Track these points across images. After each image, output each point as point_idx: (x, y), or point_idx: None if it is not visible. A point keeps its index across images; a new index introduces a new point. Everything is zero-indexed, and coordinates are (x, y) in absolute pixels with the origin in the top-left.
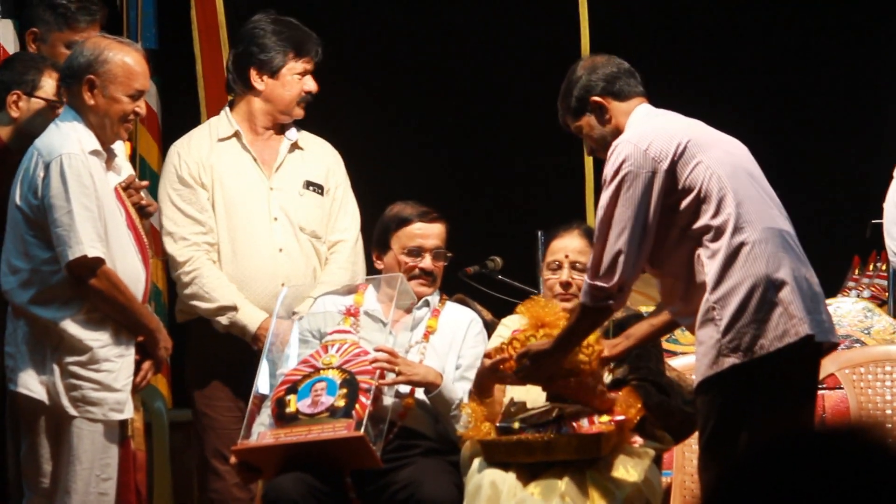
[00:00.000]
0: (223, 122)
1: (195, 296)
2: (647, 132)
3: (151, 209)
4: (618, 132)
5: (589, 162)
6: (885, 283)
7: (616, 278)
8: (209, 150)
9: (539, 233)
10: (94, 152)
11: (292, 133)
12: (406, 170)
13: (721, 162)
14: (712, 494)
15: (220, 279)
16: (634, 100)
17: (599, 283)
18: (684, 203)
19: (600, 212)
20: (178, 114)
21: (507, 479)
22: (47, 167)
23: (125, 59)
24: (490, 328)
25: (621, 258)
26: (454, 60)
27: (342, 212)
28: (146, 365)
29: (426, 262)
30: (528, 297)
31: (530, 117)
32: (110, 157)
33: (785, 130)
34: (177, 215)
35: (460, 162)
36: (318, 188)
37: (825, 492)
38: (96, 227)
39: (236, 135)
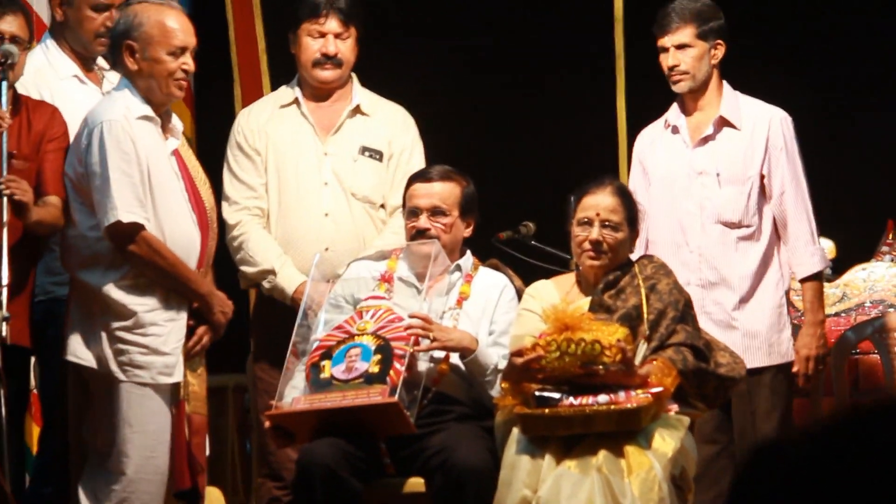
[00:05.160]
0: (286, 90)
1: (243, 260)
2: None
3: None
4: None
5: (622, 127)
6: None
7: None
8: (268, 118)
9: (572, 198)
10: (145, 117)
11: (357, 97)
12: (439, 135)
13: None
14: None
15: (265, 242)
16: None
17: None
18: None
19: (796, 183)
20: (210, 79)
21: (544, 454)
22: (90, 135)
23: (160, 18)
24: (521, 295)
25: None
26: (488, 26)
27: (406, 178)
28: (200, 330)
29: (421, 221)
30: (561, 262)
31: (566, 82)
32: (167, 120)
33: (823, 92)
34: (232, 180)
35: (494, 127)
36: (376, 154)
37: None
38: (136, 192)
39: (295, 101)
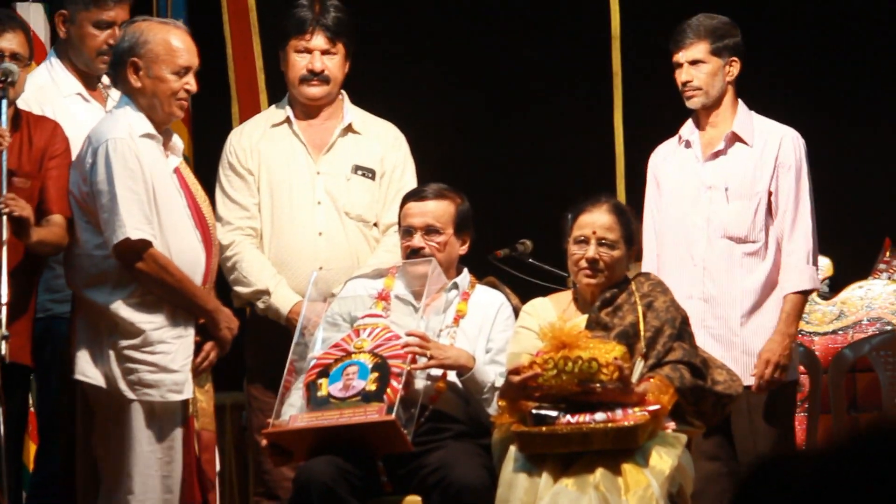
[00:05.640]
0: (278, 109)
1: (237, 281)
2: None
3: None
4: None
5: (619, 145)
6: None
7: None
8: (260, 137)
9: (568, 216)
10: (147, 135)
11: (348, 115)
12: (436, 152)
13: None
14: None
15: (259, 262)
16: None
17: (815, 267)
18: None
19: (800, 203)
20: (208, 95)
21: (542, 472)
22: (95, 153)
23: (166, 37)
24: (518, 313)
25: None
26: (485, 41)
27: (399, 195)
28: (207, 346)
29: (415, 240)
30: (558, 280)
31: (563, 99)
32: (167, 138)
33: (821, 110)
34: (225, 201)
35: (492, 144)
36: (369, 172)
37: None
38: (143, 209)
39: (287, 121)
